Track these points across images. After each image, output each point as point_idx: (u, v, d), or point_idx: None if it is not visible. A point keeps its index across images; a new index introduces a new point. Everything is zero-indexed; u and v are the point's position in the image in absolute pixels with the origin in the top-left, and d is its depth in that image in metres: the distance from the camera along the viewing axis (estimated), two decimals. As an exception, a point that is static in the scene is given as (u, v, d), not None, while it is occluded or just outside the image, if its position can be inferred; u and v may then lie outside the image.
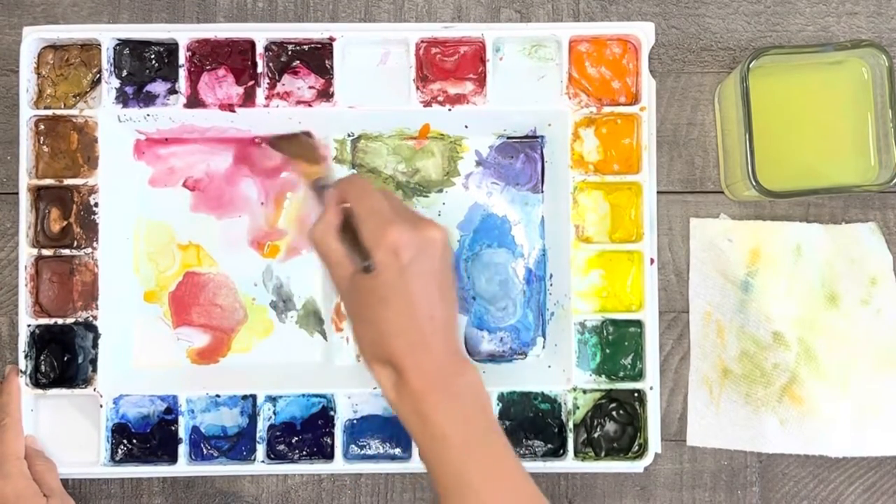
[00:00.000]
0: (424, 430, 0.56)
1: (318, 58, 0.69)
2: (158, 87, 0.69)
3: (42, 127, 0.68)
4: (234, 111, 0.68)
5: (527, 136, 0.71)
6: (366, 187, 0.59)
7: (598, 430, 0.69)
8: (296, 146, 0.68)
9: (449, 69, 0.69)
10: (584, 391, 0.68)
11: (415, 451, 0.67)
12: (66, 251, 0.68)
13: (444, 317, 0.57)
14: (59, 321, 0.67)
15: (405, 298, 0.56)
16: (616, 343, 0.69)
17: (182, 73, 0.68)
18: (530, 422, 0.69)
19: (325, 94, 0.68)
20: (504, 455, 0.57)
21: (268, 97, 0.68)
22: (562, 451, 0.68)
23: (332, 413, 0.68)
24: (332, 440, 0.68)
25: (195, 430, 0.69)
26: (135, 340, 0.70)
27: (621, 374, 0.69)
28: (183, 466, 0.68)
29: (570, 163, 0.68)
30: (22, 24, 0.70)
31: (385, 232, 0.56)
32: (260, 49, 0.68)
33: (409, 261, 0.56)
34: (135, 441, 0.68)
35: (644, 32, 0.69)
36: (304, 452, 0.69)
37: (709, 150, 0.70)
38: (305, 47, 0.69)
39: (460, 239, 0.71)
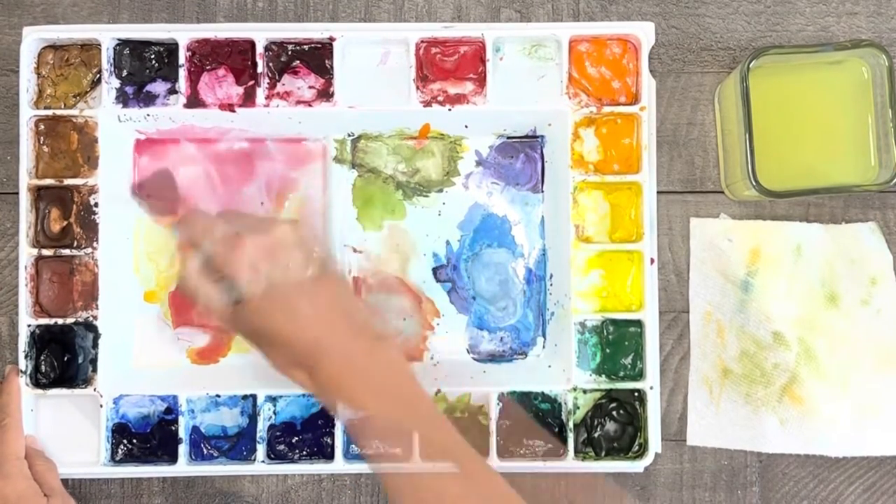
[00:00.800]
0: (347, 416, 0.56)
1: (318, 58, 0.69)
2: (158, 87, 0.69)
3: (42, 127, 0.68)
4: (234, 111, 0.68)
5: (527, 136, 0.71)
6: (200, 222, 0.59)
7: (599, 429, 0.69)
8: (154, 189, 0.67)
9: (449, 69, 0.69)
10: (585, 391, 0.68)
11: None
12: (66, 251, 0.67)
13: (330, 302, 0.57)
14: (59, 321, 0.67)
15: (286, 305, 0.56)
16: (616, 343, 0.69)
17: (182, 73, 0.68)
18: (530, 422, 0.69)
19: (325, 94, 0.68)
20: (431, 423, 0.57)
21: (268, 97, 0.68)
22: (562, 451, 0.68)
23: (332, 413, 0.68)
24: (333, 440, 0.68)
25: (195, 430, 0.69)
26: (135, 340, 0.70)
27: (621, 373, 0.69)
28: (183, 466, 0.68)
29: (570, 163, 0.68)
30: (22, 24, 0.70)
31: (236, 255, 0.56)
32: (260, 49, 0.68)
33: (270, 267, 0.56)
34: (135, 441, 0.68)
35: (644, 32, 0.69)
36: (304, 452, 0.69)
37: (709, 150, 0.70)
38: (305, 47, 0.69)
39: (460, 239, 0.71)
